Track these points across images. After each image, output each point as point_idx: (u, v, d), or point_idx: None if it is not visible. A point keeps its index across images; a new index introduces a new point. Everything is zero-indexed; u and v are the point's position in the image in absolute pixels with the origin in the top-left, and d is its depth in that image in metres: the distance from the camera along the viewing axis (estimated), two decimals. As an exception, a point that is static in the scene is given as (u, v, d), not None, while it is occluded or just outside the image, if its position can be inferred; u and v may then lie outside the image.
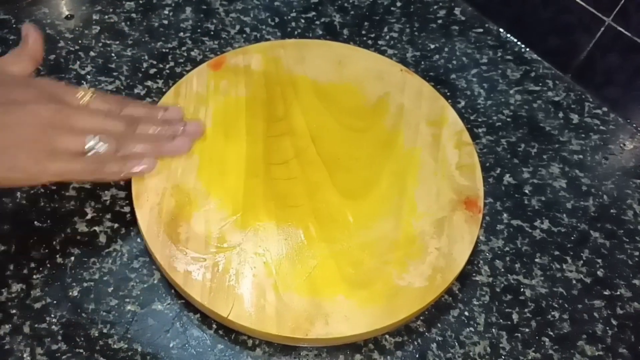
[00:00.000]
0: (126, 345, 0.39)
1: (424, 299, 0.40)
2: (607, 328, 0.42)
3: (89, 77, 0.54)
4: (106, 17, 0.59)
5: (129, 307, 0.40)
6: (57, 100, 0.39)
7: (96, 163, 0.39)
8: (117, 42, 0.57)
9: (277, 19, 0.61)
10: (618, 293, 0.44)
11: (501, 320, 0.42)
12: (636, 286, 0.44)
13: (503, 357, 0.40)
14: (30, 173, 0.37)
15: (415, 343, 0.41)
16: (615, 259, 0.46)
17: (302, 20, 0.61)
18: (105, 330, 0.39)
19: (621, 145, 0.54)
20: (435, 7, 0.64)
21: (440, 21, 0.63)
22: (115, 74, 0.54)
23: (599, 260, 0.46)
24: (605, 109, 0.56)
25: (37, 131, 0.37)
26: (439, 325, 0.42)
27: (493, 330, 0.42)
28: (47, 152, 0.37)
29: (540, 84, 0.58)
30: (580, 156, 0.52)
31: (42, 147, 0.37)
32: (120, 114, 0.42)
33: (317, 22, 0.61)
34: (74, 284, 0.41)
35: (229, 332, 0.40)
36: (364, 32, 0.61)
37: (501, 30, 0.62)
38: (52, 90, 0.40)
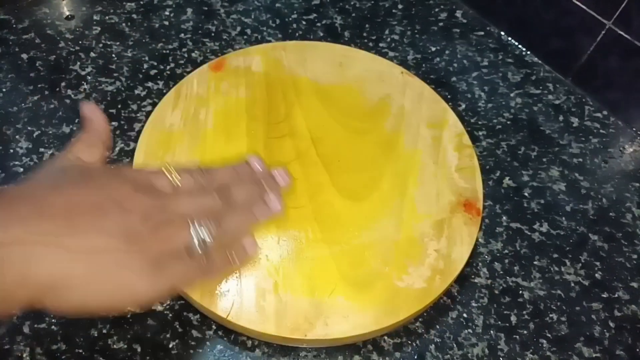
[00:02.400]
0: (126, 346, 0.39)
1: (423, 301, 0.40)
2: (605, 330, 0.42)
3: (89, 77, 0.54)
4: (107, 17, 0.60)
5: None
6: (149, 188, 0.34)
7: (204, 257, 0.33)
8: (118, 43, 0.57)
9: (278, 21, 0.61)
10: (616, 296, 0.44)
11: (499, 322, 0.42)
12: (634, 289, 0.45)
13: (501, 358, 0.40)
14: (141, 291, 0.30)
15: (414, 344, 0.41)
16: (613, 262, 0.46)
17: (303, 22, 0.61)
18: (104, 331, 0.39)
19: (621, 148, 0.54)
20: (436, 9, 0.64)
21: (441, 24, 0.63)
22: (115, 74, 0.55)
23: (598, 263, 0.46)
24: (605, 112, 0.56)
25: (143, 232, 0.30)
26: (437, 326, 0.42)
27: (491, 331, 0.42)
28: (155, 259, 0.30)
29: (540, 87, 0.58)
30: (580, 159, 0.52)
31: (151, 251, 0.30)
32: (210, 184, 0.36)
33: (318, 24, 0.61)
34: (74, 283, 0.41)
35: (229, 333, 0.40)
36: (365, 34, 0.61)
37: (502, 33, 0.62)
38: (139, 178, 0.34)
